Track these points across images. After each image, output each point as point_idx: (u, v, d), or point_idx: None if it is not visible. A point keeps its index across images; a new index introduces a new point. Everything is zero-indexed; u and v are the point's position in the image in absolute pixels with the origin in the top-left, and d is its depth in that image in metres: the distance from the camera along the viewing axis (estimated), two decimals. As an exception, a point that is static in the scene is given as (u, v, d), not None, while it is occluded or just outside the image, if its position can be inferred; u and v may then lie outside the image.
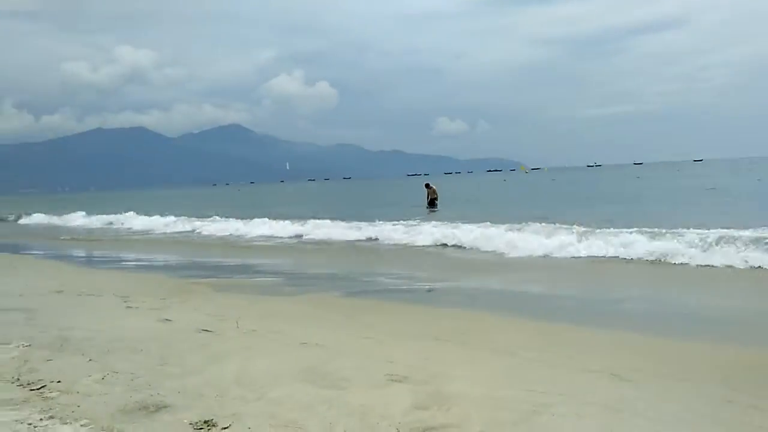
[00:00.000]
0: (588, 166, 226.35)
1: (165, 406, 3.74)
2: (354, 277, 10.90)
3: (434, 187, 30.01)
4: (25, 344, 5.28)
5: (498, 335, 6.27)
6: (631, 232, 11.96)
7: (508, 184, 67.78)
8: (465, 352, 5.48)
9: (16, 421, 3.42)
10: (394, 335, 6.25)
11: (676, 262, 10.43)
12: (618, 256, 11.21)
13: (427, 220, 18.83)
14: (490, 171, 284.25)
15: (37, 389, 4.02)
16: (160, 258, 15.03)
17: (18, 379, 4.23)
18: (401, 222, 17.89)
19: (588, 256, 11.49)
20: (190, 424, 3.48)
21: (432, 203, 28.88)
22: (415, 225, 16.92)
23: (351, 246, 15.85)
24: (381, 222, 18.04)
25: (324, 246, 16.11)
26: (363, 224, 17.82)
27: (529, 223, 14.37)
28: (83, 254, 16.73)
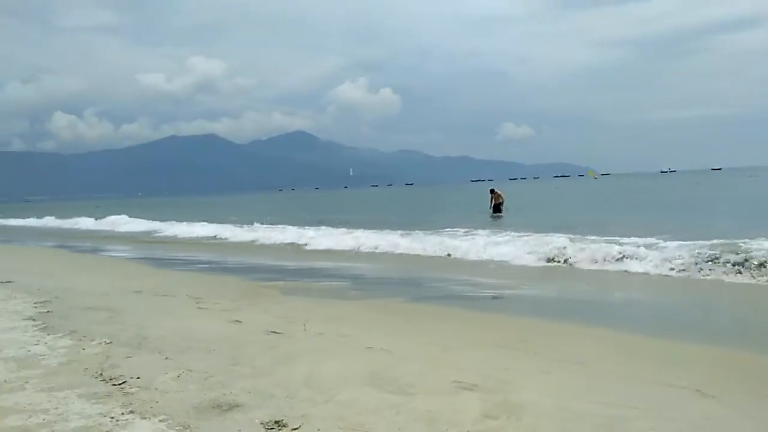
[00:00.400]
0: (662, 171, 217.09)
1: (237, 405, 3.83)
2: (418, 283, 10.87)
3: (499, 192, 29.51)
4: (107, 341, 5.55)
5: (567, 345, 6.09)
6: (709, 244, 11.30)
7: (570, 190, 66.01)
8: (533, 360, 5.35)
9: (100, 414, 3.60)
10: (459, 342, 6.18)
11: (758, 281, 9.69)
12: (674, 271, 10.53)
13: (485, 227, 18.55)
14: (557, 176, 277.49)
15: (119, 384, 4.21)
16: (228, 261, 15.47)
17: (101, 375, 4.44)
18: (459, 228, 17.75)
19: (647, 270, 10.87)
20: (261, 423, 3.55)
21: (497, 209, 28.41)
22: (465, 233, 16.65)
23: (409, 252, 15.63)
24: (442, 229, 17.92)
25: (384, 253, 16.01)
26: (420, 231, 17.66)
27: (593, 237, 13.69)
28: (159, 256, 17.41)
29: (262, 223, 24.61)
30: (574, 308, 8.36)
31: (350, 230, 19.34)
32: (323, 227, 21.00)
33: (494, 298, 9.29)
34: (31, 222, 41.99)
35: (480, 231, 16.98)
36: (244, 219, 27.85)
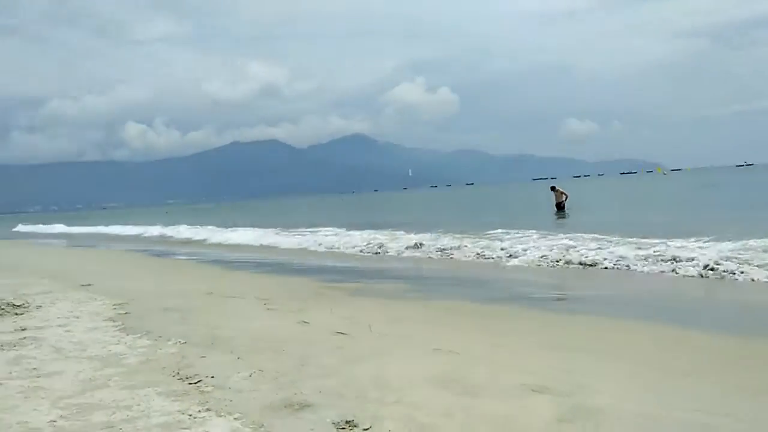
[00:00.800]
0: (737, 165, 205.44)
1: (308, 405, 3.89)
2: (476, 284, 10.73)
3: (561, 189, 28.26)
4: (182, 341, 5.75)
5: (641, 346, 5.87)
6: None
7: (636, 188, 63.59)
8: (607, 363, 5.18)
9: (179, 411, 3.73)
10: (527, 344, 6.07)
11: None
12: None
13: (542, 228, 17.95)
14: (623, 173, 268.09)
15: (195, 383, 4.35)
16: (292, 263, 15.74)
17: (178, 373, 4.61)
18: (512, 230, 17.34)
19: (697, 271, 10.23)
20: (333, 423, 3.59)
21: (560, 207, 27.42)
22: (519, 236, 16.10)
23: (467, 255, 15.31)
24: (493, 231, 17.55)
25: (443, 255, 15.78)
26: (460, 235, 17.19)
27: (654, 241, 12.81)
28: (225, 258, 17.92)
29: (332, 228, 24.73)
30: (643, 308, 8.04)
31: (403, 233, 19.16)
32: (376, 232, 20.87)
33: (558, 299, 9.06)
34: (104, 229, 43.83)
35: (532, 232, 16.39)
36: (300, 222, 28.24)
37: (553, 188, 28.52)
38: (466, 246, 15.38)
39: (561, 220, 24.11)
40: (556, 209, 27.20)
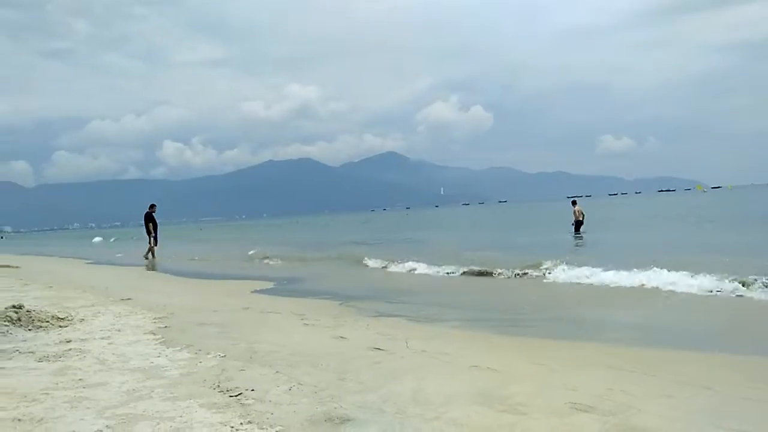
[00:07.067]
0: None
1: (349, 420, 3.87)
2: (510, 308, 10.60)
3: (579, 207, 26.56)
4: (221, 355, 5.79)
5: (685, 367, 5.69)
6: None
7: (672, 206, 61.97)
8: (652, 383, 5.03)
9: (221, 423, 3.75)
10: (567, 363, 5.94)
11: None
12: None
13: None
14: (661, 191, 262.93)
15: (235, 396, 4.37)
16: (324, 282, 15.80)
17: (218, 386, 4.64)
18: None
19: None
20: (375, 438, 3.56)
21: (578, 227, 26.04)
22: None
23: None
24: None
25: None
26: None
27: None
28: (268, 275, 18.07)
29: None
30: (677, 332, 7.76)
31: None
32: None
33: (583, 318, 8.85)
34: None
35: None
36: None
37: (574, 203, 27.40)
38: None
39: (578, 241, 23.22)
40: (574, 229, 26.11)
